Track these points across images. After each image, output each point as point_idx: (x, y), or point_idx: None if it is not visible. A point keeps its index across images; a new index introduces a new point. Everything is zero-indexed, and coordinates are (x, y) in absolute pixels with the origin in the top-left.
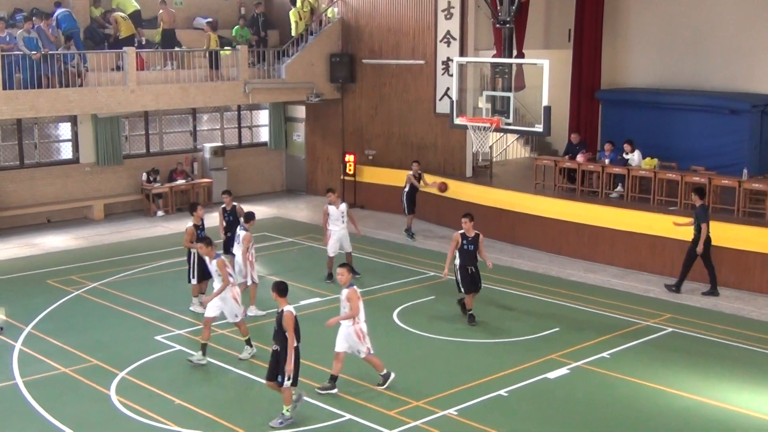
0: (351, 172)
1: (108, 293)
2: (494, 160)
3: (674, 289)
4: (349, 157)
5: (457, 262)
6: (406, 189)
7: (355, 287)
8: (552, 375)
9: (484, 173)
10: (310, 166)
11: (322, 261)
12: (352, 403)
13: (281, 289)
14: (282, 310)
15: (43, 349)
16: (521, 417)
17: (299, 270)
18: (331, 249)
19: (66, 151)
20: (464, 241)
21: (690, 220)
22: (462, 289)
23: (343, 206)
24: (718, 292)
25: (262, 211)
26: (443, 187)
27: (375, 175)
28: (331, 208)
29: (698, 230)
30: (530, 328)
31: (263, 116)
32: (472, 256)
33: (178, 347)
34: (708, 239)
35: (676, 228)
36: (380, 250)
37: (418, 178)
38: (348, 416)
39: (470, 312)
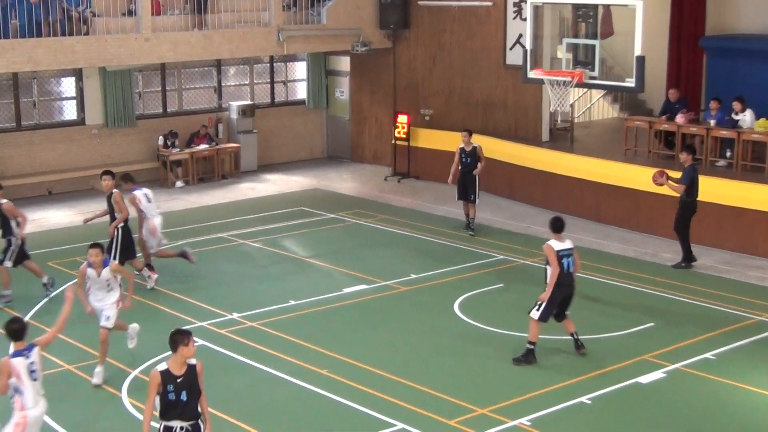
0: (404, 136)
1: None
2: (576, 121)
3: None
4: (402, 118)
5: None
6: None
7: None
8: (644, 379)
9: (563, 137)
10: (355, 129)
11: (370, 239)
12: (404, 410)
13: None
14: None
15: None
16: (607, 429)
17: (342, 252)
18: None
19: (70, 111)
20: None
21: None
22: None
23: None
24: None
25: (298, 182)
26: (659, 178)
27: (432, 140)
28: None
29: None
30: (619, 322)
31: (300, 69)
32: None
33: (201, 342)
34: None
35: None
36: (439, 229)
37: (470, 154)
38: (400, 425)
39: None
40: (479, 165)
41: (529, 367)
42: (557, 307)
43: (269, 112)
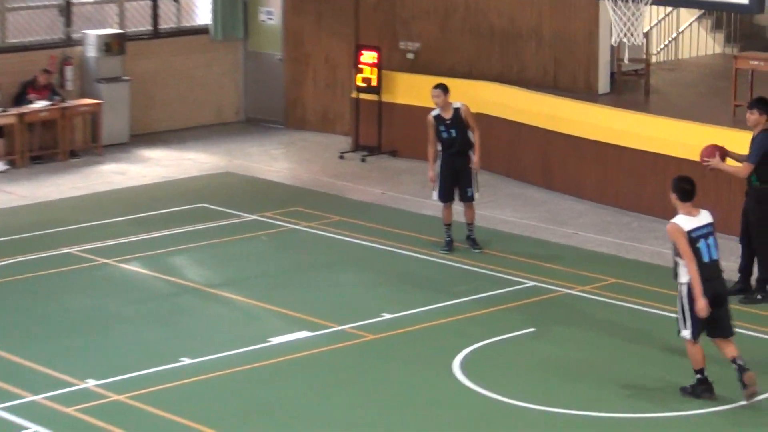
0: (371, 86)
1: None
2: (654, 60)
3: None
4: (369, 57)
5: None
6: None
7: None
8: None
9: (633, 87)
10: (292, 75)
11: (317, 256)
12: None
13: None
14: None
15: None
16: None
17: (270, 278)
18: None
19: None
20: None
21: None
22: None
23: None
24: None
25: (197, 161)
26: (711, 157)
27: (418, 92)
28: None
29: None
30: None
31: None
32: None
33: (32, 429)
34: None
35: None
36: (428, 238)
37: (452, 123)
38: None
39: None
40: (472, 138)
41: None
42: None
43: (149, 47)
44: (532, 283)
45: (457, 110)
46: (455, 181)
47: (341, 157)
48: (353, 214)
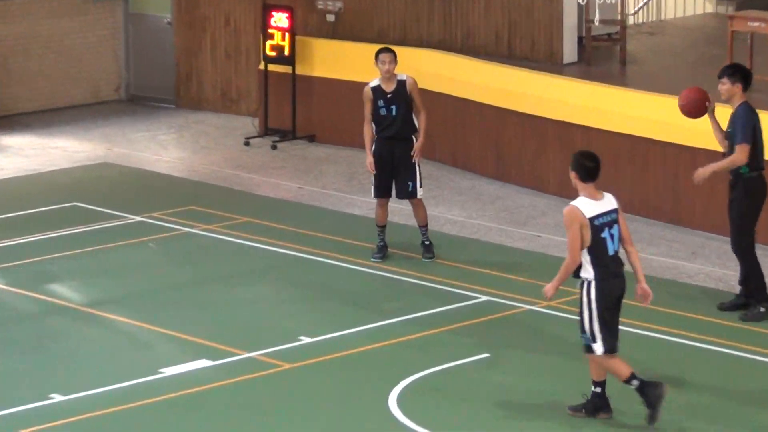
0: (283, 55)
1: None
2: (632, 21)
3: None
4: (280, 19)
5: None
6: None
7: None
8: None
9: (606, 55)
10: (184, 42)
11: (218, 267)
12: None
13: None
14: None
15: None
16: None
17: (160, 293)
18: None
19: None
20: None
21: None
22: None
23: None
24: None
25: (68, 150)
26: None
27: (340, 62)
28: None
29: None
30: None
31: None
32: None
33: None
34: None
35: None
36: (358, 244)
37: (394, 98)
38: None
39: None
40: (418, 121)
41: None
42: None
43: (7, 10)
44: (485, 298)
45: (401, 83)
46: (393, 173)
47: (247, 144)
48: (263, 215)
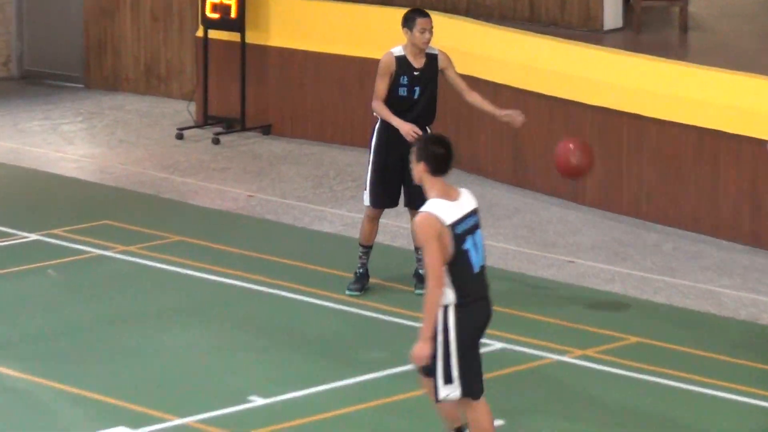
0: (229, 17)
1: None
2: None
3: None
4: None
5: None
6: (375, 134)
7: None
8: None
9: (660, 19)
10: (94, 4)
11: (141, 302)
12: None
13: None
14: None
15: None
16: None
17: (69, 334)
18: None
19: None
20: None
21: None
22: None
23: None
24: None
25: None
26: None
27: (307, 27)
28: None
29: None
30: None
31: None
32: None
33: None
34: None
35: None
36: (335, 270)
37: (423, 76)
38: None
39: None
40: (470, 101)
41: None
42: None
43: None
44: (499, 345)
45: (432, 58)
46: (402, 174)
47: (180, 137)
48: (201, 232)
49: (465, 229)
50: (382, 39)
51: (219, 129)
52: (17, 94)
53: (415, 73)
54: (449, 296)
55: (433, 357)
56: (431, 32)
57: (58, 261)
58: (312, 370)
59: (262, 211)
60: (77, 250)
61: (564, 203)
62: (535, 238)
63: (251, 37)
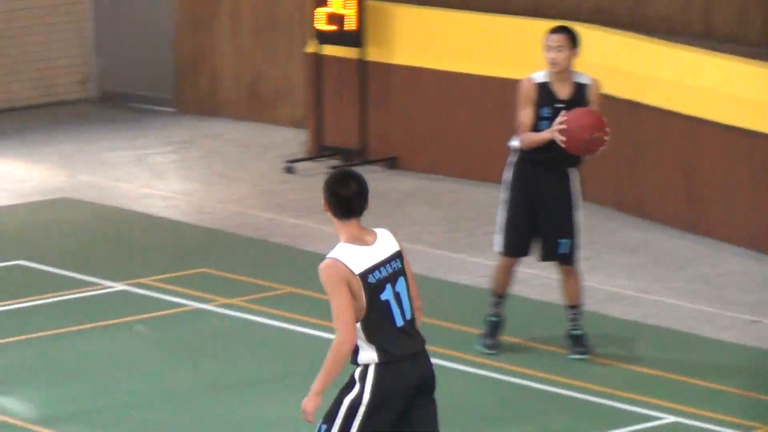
0: (345, 29)
1: None
2: None
3: None
4: None
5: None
6: (512, 169)
7: None
8: None
9: None
10: (187, 10)
11: (253, 357)
12: None
13: None
14: None
15: None
16: None
17: (168, 399)
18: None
19: None
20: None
21: None
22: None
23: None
24: None
25: (6, 176)
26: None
27: (440, 43)
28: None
29: None
30: None
31: None
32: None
33: None
34: None
35: None
36: (466, 327)
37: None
38: None
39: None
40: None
41: None
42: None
43: None
44: (671, 419)
45: (581, 88)
46: (536, 221)
47: (289, 171)
48: (314, 283)
49: (382, 277)
50: (529, 56)
51: (335, 162)
52: (97, 119)
53: (558, 105)
54: (371, 355)
55: (333, 415)
56: (559, 51)
57: (148, 315)
58: None
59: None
60: (170, 302)
61: (746, 252)
62: (713, 293)
63: (372, 54)
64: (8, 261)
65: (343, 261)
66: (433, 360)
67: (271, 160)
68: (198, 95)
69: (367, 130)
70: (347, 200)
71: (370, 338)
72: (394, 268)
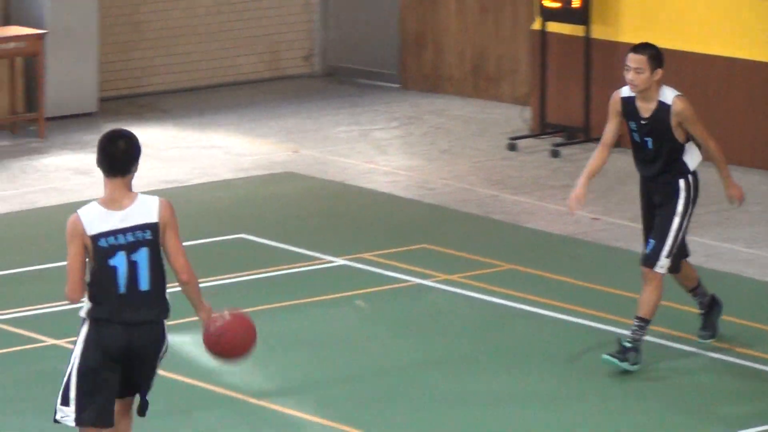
0: (572, 7)
1: None
2: None
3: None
4: None
5: None
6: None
7: None
8: None
9: None
10: None
11: (473, 334)
12: None
13: None
14: None
15: None
16: None
17: (388, 374)
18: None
19: None
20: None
21: None
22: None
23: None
24: None
25: (231, 150)
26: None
27: (671, 20)
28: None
29: None
30: None
31: None
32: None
33: None
34: None
35: None
36: (695, 308)
37: (647, 127)
38: None
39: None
40: (689, 157)
41: None
42: None
43: None
44: None
45: (663, 108)
46: (650, 219)
47: (512, 148)
48: (535, 260)
49: (117, 243)
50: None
51: (558, 139)
52: (320, 94)
53: (643, 121)
54: (88, 310)
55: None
56: (638, 74)
57: (368, 290)
58: (665, 423)
59: (609, 238)
60: (390, 277)
61: None
62: None
63: (598, 31)
64: (231, 234)
65: (81, 219)
66: (655, 339)
67: (493, 137)
68: (422, 71)
69: (590, 108)
70: (111, 158)
71: (92, 296)
72: (138, 237)
